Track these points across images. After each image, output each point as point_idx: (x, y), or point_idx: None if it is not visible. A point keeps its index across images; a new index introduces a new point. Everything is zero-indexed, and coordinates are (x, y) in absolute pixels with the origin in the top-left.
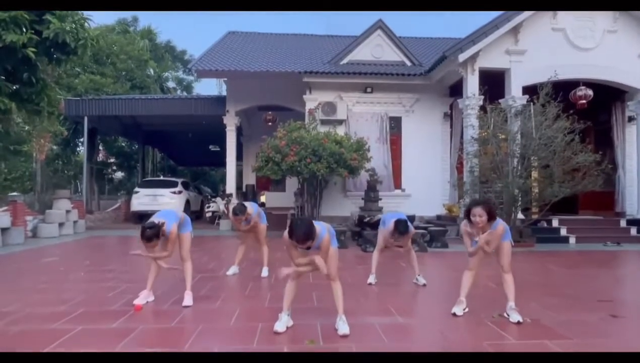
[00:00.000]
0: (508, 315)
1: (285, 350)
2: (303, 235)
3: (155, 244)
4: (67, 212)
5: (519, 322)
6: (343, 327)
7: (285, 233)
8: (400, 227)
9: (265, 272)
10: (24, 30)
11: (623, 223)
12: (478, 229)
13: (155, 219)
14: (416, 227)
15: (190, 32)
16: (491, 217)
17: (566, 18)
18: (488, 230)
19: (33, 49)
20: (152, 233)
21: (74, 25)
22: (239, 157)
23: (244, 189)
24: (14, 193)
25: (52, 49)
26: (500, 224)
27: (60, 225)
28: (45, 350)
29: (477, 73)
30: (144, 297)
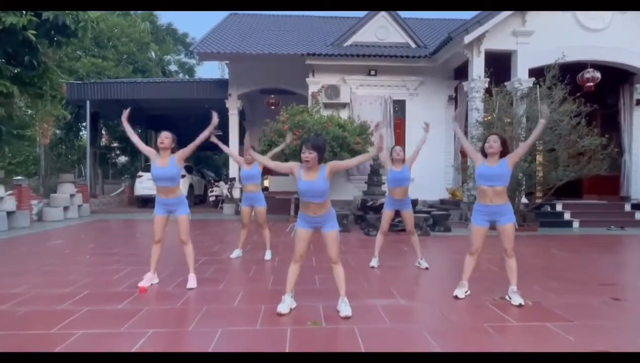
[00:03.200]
0: (510, 298)
1: (289, 331)
2: (314, 142)
3: (167, 141)
4: (72, 196)
5: (520, 305)
6: (345, 309)
7: (291, 162)
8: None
9: (268, 255)
10: (24, 12)
11: (627, 207)
12: (490, 155)
13: None
14: (419, 211)
15: (191, 14)
16: (504, 148)
17: None
18: (497, 161)
19: (33, 32)
20: (172, 135)
21: None
22: (242, 141)
23: None
24: (19, 177)
25: (52, 32)
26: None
27: (65, 209)
28: (52, 331)
29: (482, 55)
30: (148, 279)
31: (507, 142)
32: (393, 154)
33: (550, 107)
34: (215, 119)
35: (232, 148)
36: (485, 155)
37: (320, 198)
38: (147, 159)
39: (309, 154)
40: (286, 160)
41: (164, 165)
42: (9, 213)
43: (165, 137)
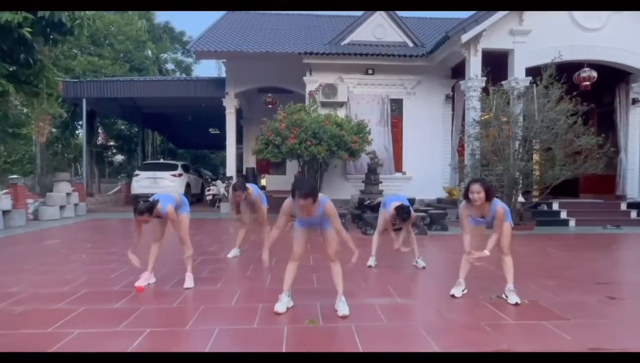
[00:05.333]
0: (506, 297)
1: (286, 329)
2: (306, 189)
3: (146, 220)
4: (68, 194)
5: (517, 304)
6: (343, 308)
7: (286, 201)
8: (402, 213)
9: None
10: None
11: (623, 206)
12: (476, 208)
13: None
14: (416, 210)
15: (188, 12)
16: (489, 196)
17: None
18: (487, 210)
19: (29, 29)
20: (145, 207)
21: None
22: (239, 140)
23: (244, 172)
24: (15, 176)
25: (48, 29)
26: (499, 205)
27: (61, 208)
28: (49, 330)
29: (480, 54)
30: (145, 279)
31: (491, 187)
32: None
33: (546, 106)
34: None
35: (230, 146)
36: (468, 198)
37: (319, 227)
38: (144, 158)
39: (309, 205)
40: (283, 159)
41: (158, 215)
42: (5, 212)
43: (145, 222)
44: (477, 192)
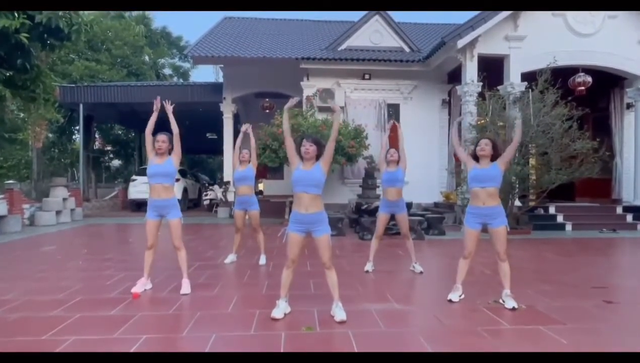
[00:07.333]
0: (503, 302)
1: (283, 336)
2: (315, 137)
3: (164, 146)
4: (64, 200)
5: (514, 308)
6: (340, 314)
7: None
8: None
9: (262, 260)
10: (16, 15)
11: (619, 210)
12: (481, 158)
13: None
14: (414, 215)
15: (186, 17)
16: (495, 152)
17: None
18: (487, 164)
19: (26, 35)
20: (168, 137)
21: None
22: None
23: None
24: (11, 181)
25: (45, 35)
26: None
27: (58, 213)
28: (44, 338)
29: (475, 59)
30: (142, 285)
31: (498, 145)
32: (387, 155)
33: (542, 111)
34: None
35: (227, 151)
36: (476, 158)
37: (314, 189)
38: (141, 163)
39: (309, 147)
40: (280, 164)
41: (161, 163)
42: (1, 218)
43: (162, 142)
44: (486, 144)
